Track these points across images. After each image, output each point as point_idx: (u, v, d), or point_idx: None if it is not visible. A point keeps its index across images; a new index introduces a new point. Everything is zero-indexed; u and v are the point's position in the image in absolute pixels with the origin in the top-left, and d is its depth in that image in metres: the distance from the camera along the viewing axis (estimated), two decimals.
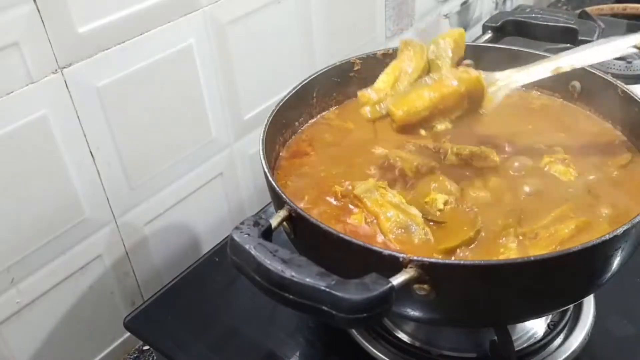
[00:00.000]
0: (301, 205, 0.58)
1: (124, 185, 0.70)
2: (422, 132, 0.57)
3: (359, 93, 0.59)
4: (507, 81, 0.60)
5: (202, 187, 0.81)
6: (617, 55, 0.60)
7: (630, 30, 1.26)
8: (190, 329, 0.68)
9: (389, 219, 0.55)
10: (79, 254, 0.69)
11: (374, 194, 0.57)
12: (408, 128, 0.57)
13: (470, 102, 0.57)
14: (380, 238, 0.54)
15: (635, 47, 0.59)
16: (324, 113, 0.72)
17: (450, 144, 0.62)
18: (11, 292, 0.63)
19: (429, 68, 0.61)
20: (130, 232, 0.74)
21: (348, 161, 0.65)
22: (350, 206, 0.58)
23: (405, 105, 0.56)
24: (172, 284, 0.74)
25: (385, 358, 0.62)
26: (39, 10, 0.56)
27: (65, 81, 0.61)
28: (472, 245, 0.53)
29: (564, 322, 0.64)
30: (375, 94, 0.58)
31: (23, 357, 0.67)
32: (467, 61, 0.64)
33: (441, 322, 0.57)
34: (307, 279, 0.42)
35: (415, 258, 0.44)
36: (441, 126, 0.57)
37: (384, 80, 0.60)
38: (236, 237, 0.46)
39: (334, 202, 0.59)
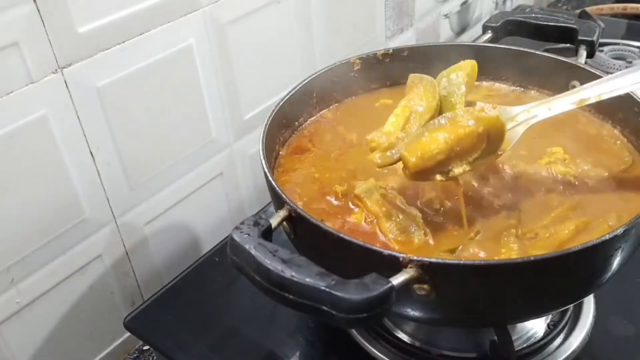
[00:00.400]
0: (300, 203, 0.58)
1: (124, 185, 0.70)
2: (438, 177, 0.53)
3: (368, 138, 0.55)
4: (527, 116, 0.57)
5: (202, 187, 0.81)
6: None
7: (630, 30, 1.26)
8: (190, 329, 0.68)
9: (389, 219, 0.55)
10: (79, 254, 0.69)
11: (374, 194, 0.57)
12: (422, 174, 0.52)
13: (489, 142, 0.53)
14: (380, 238, 0.54)
15: None
16: (323, 111, 0.72)
17: None
18: (11, 292, 0.63)
19: (441, 106, 0.57)
20: (130, 232, 0.74)
21: (348, 162, 0.64)
22: (351, 205, 0.58)
23: (419, 150, 0.51)
24: (172, 284, 0.74)
25: (385, 358, 0.62)
26: (39, 10, 0.56)
27: (65, 81, 0.61)
28: (471, 245, 0.53)
29: (564, 322, 0.64)
30: (386, 138, 0.54)
31: (23, 357, 0.67)
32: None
33: (441, 322, 0.57)
34: (307, 279, 0.42)
35: (415, 258, 0.44)
36: (458, 169, 0.52)
37: (393, 122, 0.55)
38: (236, 237, 0.46)
39: (334, 202, 0.59)
